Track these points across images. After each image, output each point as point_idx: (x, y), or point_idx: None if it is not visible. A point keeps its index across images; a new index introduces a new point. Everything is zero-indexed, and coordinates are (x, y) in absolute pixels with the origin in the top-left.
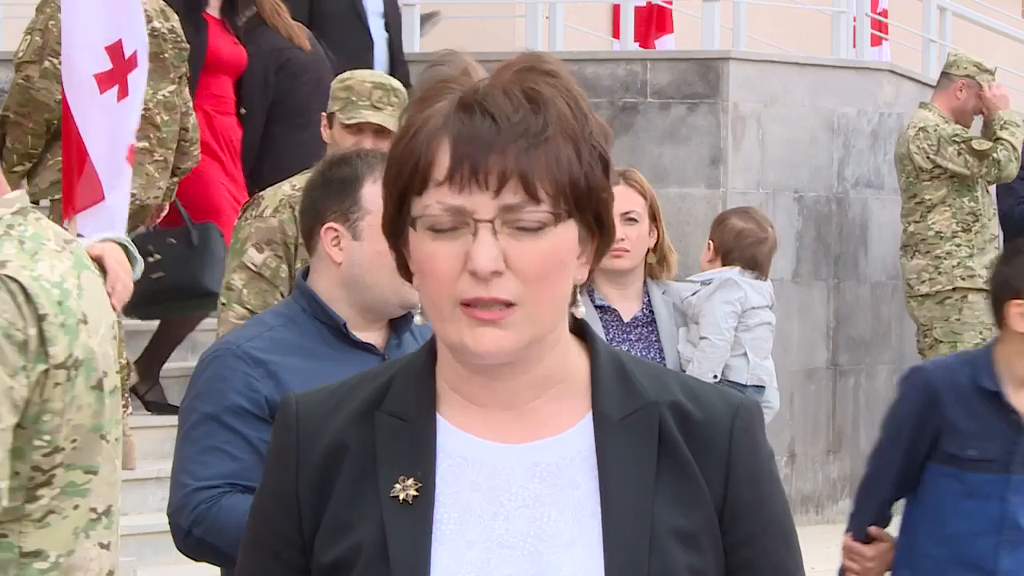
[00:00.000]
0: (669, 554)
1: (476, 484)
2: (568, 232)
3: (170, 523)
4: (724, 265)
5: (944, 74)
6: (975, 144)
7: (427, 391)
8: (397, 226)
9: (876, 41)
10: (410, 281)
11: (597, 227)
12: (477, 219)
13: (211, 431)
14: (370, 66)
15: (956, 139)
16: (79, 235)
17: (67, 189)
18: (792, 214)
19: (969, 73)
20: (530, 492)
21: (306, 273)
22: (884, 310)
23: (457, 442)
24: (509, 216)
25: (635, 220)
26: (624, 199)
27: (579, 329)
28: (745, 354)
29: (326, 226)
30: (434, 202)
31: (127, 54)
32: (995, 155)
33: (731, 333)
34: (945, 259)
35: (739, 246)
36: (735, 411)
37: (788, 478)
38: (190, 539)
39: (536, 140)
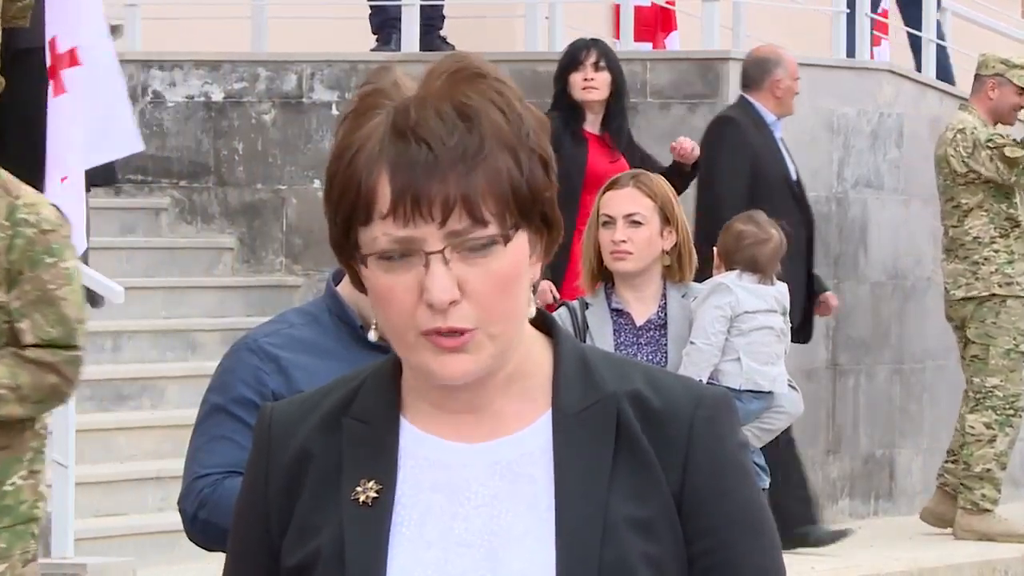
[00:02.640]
0: (623, 543)
1: (437, 485)
2: (519, 244)
3: (179, 511)
4: (728, 270)
5: (975, 77)
6: (1007, 151)
7: (392, 395)
8: (345, 249)
9: (876, 41)
10: (364, 292)
11: (545, 225)
12: (427, 251)
13: (219, 421)
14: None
15: (990, 144)
16: None
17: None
18: None
19: (997, 71)
20: (489, 490)
21: (340, 273)
22: (884, 310)
23: (420, 444)
24: (457, 242)
25: (639, 223)
26: (629, 201)
27: (545, 325)
28: (738, 359)
29: None
30: (381, 234)
31: (60, 49)
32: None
33: (719, 338)
34: (983, 265)
35: (738, 248)
36: (698, 400)
37: None
38: (196, 523)
39: (474, 161)
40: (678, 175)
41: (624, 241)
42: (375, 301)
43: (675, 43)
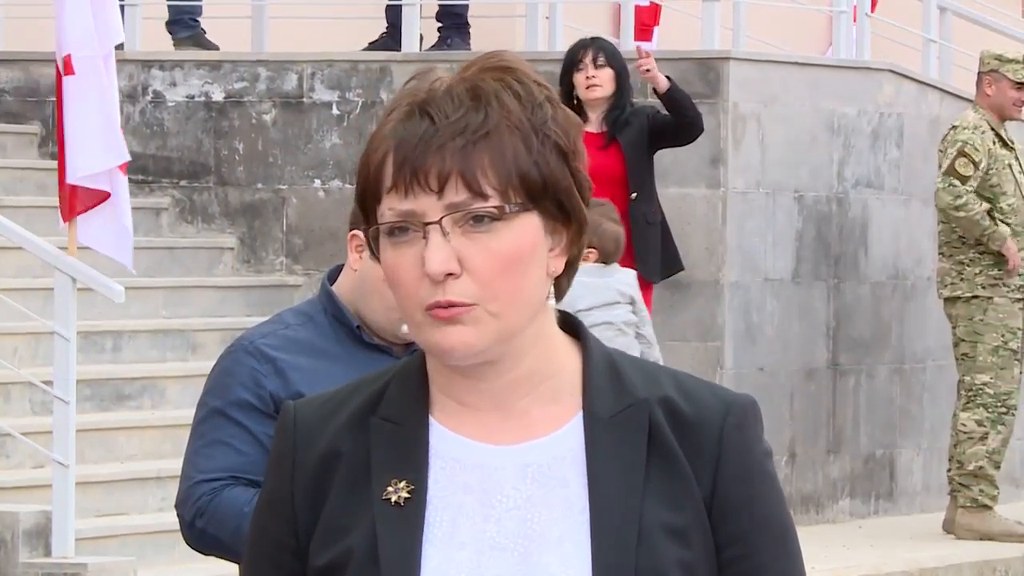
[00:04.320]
0: (658, 549)
1: (469, 486)
2: (527, 226)
3: (177, 515)
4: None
5: (977, 75)
6: (959, 165)
7: (420, 394)
8: (369, 234)
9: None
10: None
11: (563, 216)
12: (425, 222)
13: (217, 425)
14: None
15: (958, 147)
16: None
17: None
18: (792, 214)
19: (992, 67)
20: (522, 494)
21: (335, 272)
22: (884, 310)
23: (449, 445)
24: (457, 215)
25: None
26: None
27: (572, 327)
28: None
29: (352, 232)
30: (387, 209)
31: (59, 56)
32: (954, 193)
33: None
34: (968, 265)
35: (617, 248)
36: (727, 408)
37: (788, 478)
38: (193, 530)
39: (475, 136)
40: (669, 107)
41: None
42: (389, 283)
43: (655, 38)
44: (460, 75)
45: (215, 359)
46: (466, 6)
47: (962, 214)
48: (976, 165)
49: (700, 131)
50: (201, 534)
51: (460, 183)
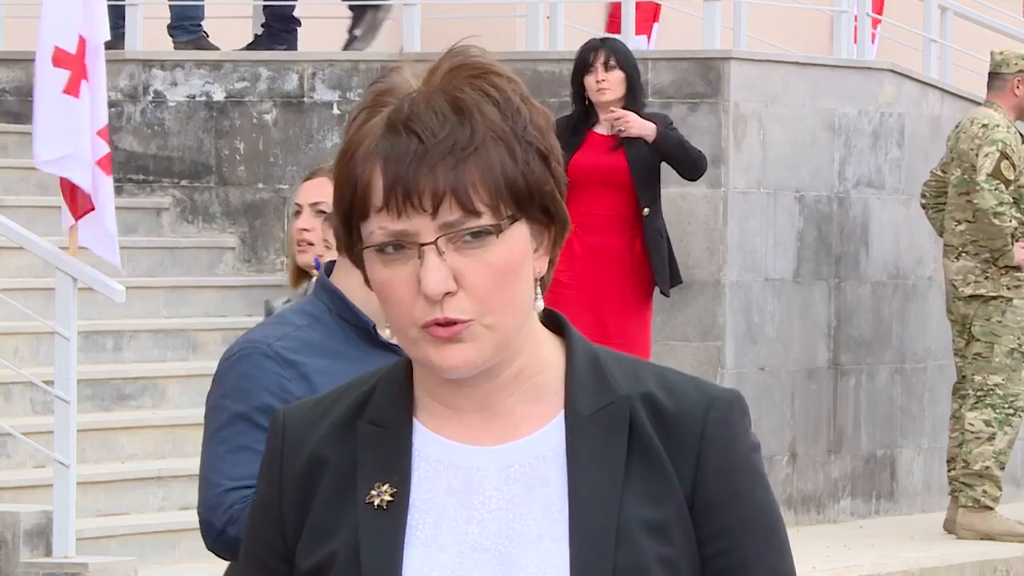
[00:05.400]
0: (637, 546)
1: (451, 488)
2: (517, 235)
3: (202, 522)
4: None
5: (995, 75)
6: (1003, 168)
7: (404, 397)
8: (351, 247)
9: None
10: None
11: (547, 218)
12: (420, 243)
13: (242, 430)
14: None
15: (999, 148)
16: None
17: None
18: (793, 214)
19: (1022, 68)
20: (504, 494)
21: (328, 270)
22: (885, 310)
23: (433, 447)
24: (451, 234)
25: (324, 212)
26: (315, 190)
27: (556, 324)
28: None
29: None
30: (376, 228)
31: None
32: (999, 199)
33: None
34: (994, 265)
35: None
36: (710, 403)
37: (789, 478)
38: (223, 538)
39: (464, 153)
40: (657, 152)
41: (308, 230)
42: (378, 296)
43: (654, 35)
44: (433, 82)
45: (216, 359)
46: (292, 6)
47: (998, 222)
48: (1015, 168)
49: (701, 172)
50: (233, 542)
51: (454, 202)
